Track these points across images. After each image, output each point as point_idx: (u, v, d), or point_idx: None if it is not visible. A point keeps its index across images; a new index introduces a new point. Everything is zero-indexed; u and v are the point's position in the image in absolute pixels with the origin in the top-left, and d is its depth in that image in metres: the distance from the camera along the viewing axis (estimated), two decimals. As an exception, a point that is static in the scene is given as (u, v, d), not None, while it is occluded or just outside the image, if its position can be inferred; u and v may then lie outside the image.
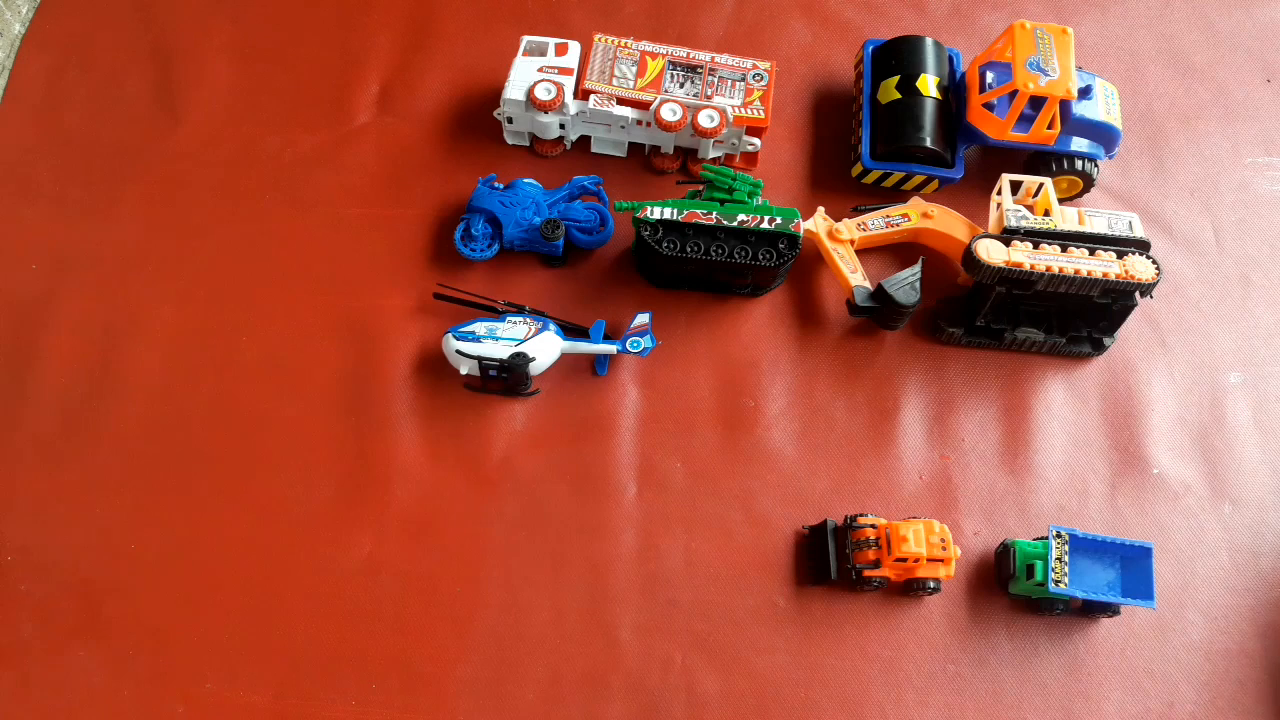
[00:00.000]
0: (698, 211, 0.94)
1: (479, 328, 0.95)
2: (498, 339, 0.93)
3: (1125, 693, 0.90)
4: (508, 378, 0.94)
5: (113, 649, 0.86)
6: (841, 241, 1.02)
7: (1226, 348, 1.05)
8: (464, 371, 0.95)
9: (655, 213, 0.93)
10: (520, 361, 0.92)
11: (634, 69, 1.05)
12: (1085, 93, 1.04)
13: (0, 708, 0.84)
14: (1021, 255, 0.94)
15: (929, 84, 1.05)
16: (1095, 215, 0.99)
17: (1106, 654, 0.91)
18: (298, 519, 0.92)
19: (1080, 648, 0.91)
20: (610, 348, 0.96)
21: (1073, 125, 1.04)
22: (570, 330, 0.99)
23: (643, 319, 0.96)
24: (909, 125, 1.04)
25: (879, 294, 0.98)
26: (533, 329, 0.95)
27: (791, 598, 0.91)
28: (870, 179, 1.09)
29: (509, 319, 0.96)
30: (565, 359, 0.99)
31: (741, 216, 0.93)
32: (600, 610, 0.90)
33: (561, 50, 1.06)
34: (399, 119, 1.11)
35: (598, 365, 0.97)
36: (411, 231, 1.04)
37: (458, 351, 0.94)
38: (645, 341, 0.95)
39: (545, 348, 0.94)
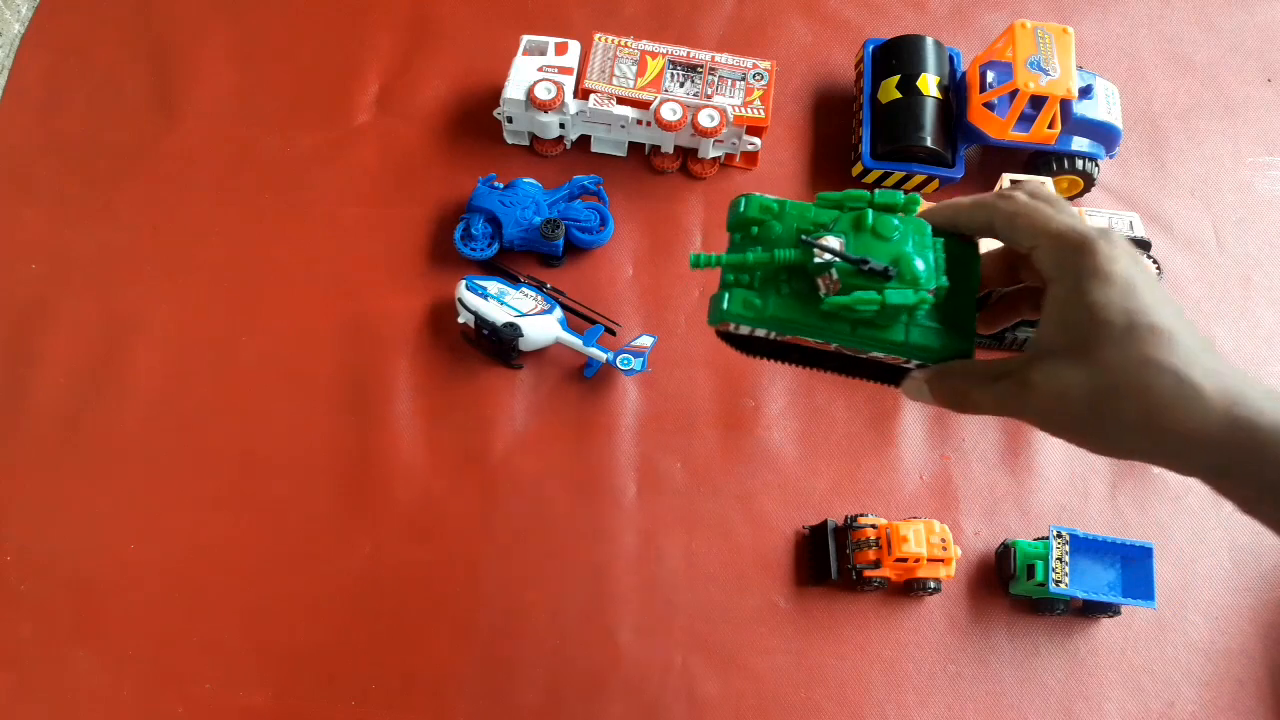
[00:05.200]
0: (809, 339, 0.50)
1: (492, 286, 0.96)
2: (503, 303, 0.94)
3: (1126, 692, 0.90)
4: (497, 342, 0.94)
5: (112, 649, 0.86)
6: None
7: (1226, 347, 1.05)
8: (461, 320, 0.96)
9: (743, 328, 0.50)
10: (511, 331, 0.93)
11: (634, 68, 1.05)
12: (1086, 92, 1.04)
13: (0, 707, 0.84)
14: (1022, 255, 0.94)
15: (929, 83, 1.05)
16: (1095, 215, 0.99)
17: (1107, 654, 0.91)
18: (297, 519, 0.92)
19: (1081, 648, 0.91)
20: (601, 355, 0.96)
21: (1073, 125, 1.04)
22: (581, 319, 1.00)
23: (645, 341, 0.96)
24: (909, 125, 1.04)
25: None
26: (538, 307, 0.96)
27: (791, 598, 0.91)
28: (871, 178, 1.09)
29: (523, 289, 0.97)
30: (564, 357, 0.99)
31: (878, 354, 0.50)
32: (600, 611, 0.90)
33: (561, 50, 1.06)
34: (399, 119, 1.11)
35: (587, 368, 0.97)
36: (411, 231, 1.04)
37: (460, 300, 0.95)
38: (636, 364, 0.95)
39: (541, 328, 0.95)
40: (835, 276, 0.46)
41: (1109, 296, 0.42)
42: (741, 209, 0.50)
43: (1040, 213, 0.46)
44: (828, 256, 0.46)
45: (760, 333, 0.51)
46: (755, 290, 0.49)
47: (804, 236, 0.47)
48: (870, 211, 0.47)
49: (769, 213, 0.50)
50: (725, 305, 0.49)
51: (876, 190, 0.48)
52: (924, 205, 0.51)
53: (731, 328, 0.51)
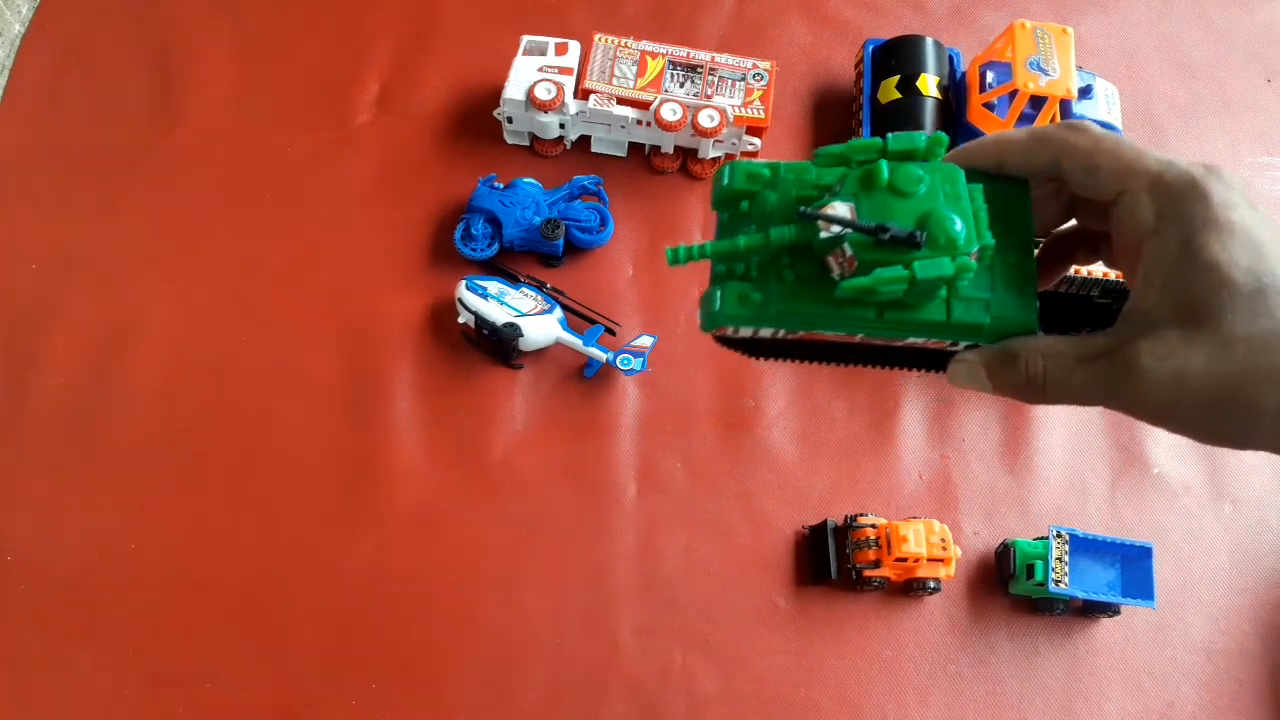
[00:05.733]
0: (827, 332, 0.40)
1: (492, 287, 0.96)
2: (503, 303, 0.94)
3: (1125, 692, 0.90)
4: (497, 342, 0.94)
5: (113, 649, 0.86)
6: None
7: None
8: (461, 320, 0.96)
9: (743, 330, 0.41)
10: (511, 332, 0.93)
11: (634, 69, 1.05)
12: (1085, 92, 1.04)
13: (0, 708, 0.84)
14: (1022, 255, 0.94)
15: (929, 84, 1.05)
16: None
17: (1106, 654, 0.91)
18: (298, 519, 0.92)
19: (1080, 648, 0.91)
20: (601, 355, 0.96)
21: (1073, 125, 1.04)
22: (581, 319, 1.00)
23: (645, 341, 0.96)
24: (909, 125, 1.04)
25: None
26: (538, 307, 0.96)
27: (791, 598, 0.91)
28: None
29: (523, 289, 0.98)
30: (564, 357, 0.99)
31: (915, 340, 0.40)
32: (600, 611, 0.90)
33: (561, 50, 1.06)
34: (399, 119, 1.11)
35: (587, 368, 0.97)
36: (411, 231, 1.04)
37: (460, 300, 0.95)
38: (636, 364, 0.95)
39: (541, 328, 0.95)
40: (849, 252, 0.37)
41: (1233, 253, 0.34)
42: (726, 180, 0.41)
43: (1127, 148, 0.37)
44: (836, 229, 0.37)
45: (767, 333, 0.41)
46: (752, 281, 0.39)
47: (803, 208, 0.38)
48: (884, 163, 0.37)
49: (759, 181, 0.40)
50: (718, 305, 0.40)
51: (890, 135, 0.38)
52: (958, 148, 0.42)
53: (729, 331, 0.42)
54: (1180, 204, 0.35)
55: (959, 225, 0.36)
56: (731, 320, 0.40)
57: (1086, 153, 0.38)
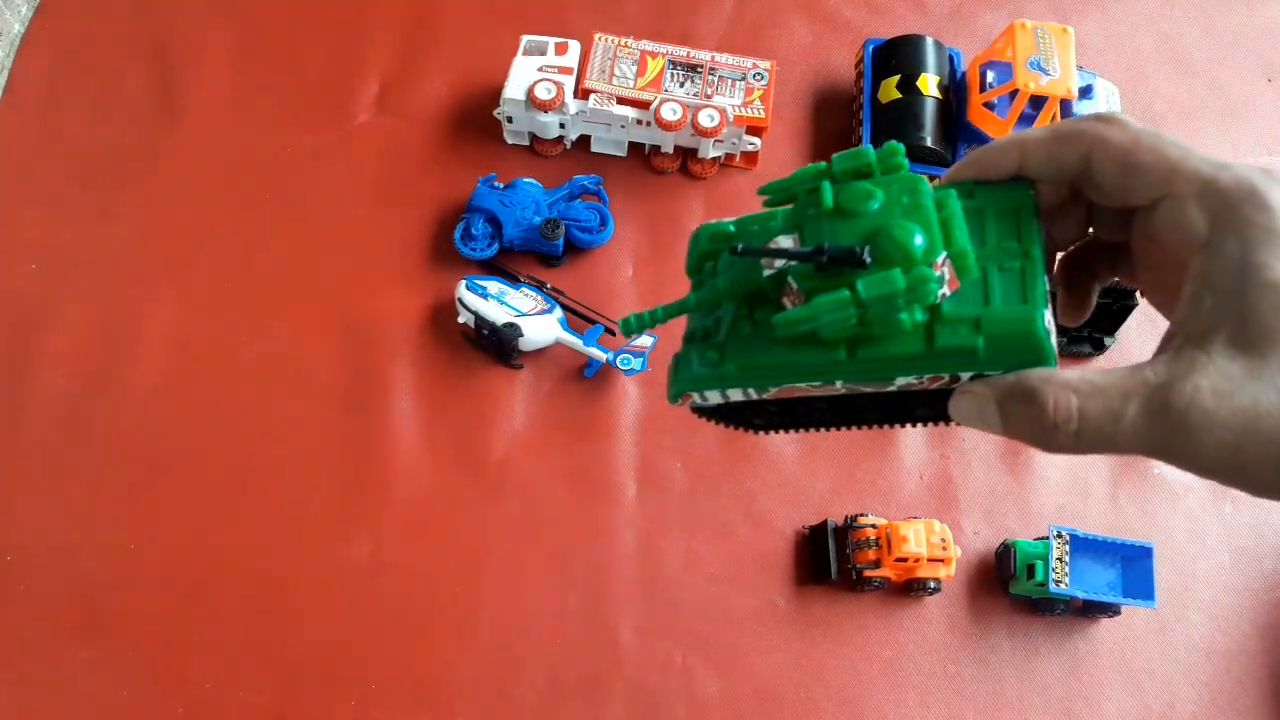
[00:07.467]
0: (800, 386, 0.36)
1: (492, 286, 0.96)
2: (503, 303, 0.95)
3: (1125, 693, 0.90)
4: (497, 342, 0.95)
5: (112, 649, 0.86)
6: None
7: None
8: (461, 320, 0.97)
9: (710, 395, 0.38)
10: (511, 332, 0.93)
11: (634, 68, 1.05)
12: (1086, 92, 1.04)
13: (0, 708, 0.84)
14: (1022, 255, 0.94)
15: (929, 83, 1.05)
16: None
17: (1107, 654, 0.91)
18: (298, 519, 0.92)
19: (1080, 648, 0.91)
20: (601, 355, 0.96)
21: (1073, 125, 1.04)
22: (581, 319, 1.00)
23: (645, 341, 0.96)
24: (909, 124, 1.04)
25: None
26: (538, 307, 0.96)
27: (791, 598, 0.91)
28: (870, 178, 1.08)
29: (523, 289, 0.98)
30: (564, 357, 0.99)
31: (905, 380, 0.35)
32: (600, 611, 0.90)
33: (561, 49, 1.06)
34: (399, 119, 1.11)
35: (587, 368, 0.97)
36: (411, 231, 1.04)
37: (460, 300, 0.96)
38: (636, 364, 0.95)
39: (540, 328, 0.95)
40: (795, 285, 0.33)
41: None
42: (693, 245, 0.39)
43: (1170, 145, 0.32)
44: (779, 263, 0.34)
45: (736, 395, 0.37)
46: (714, 341, 0.37)
47: (737, 245, 0.34)
48: (826, 184, 0.33)
49: (723, 239, 0.37)
50: (675, 370, 0.37)
51: (835, 155, 0.34)
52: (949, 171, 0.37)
53: (696, 398, 0.38)
54: (1238, 213, 0.31)
55: (917, 235, 0.31)
56: (691, 385, 0.37)
57: (1124, 149, 0.32)
